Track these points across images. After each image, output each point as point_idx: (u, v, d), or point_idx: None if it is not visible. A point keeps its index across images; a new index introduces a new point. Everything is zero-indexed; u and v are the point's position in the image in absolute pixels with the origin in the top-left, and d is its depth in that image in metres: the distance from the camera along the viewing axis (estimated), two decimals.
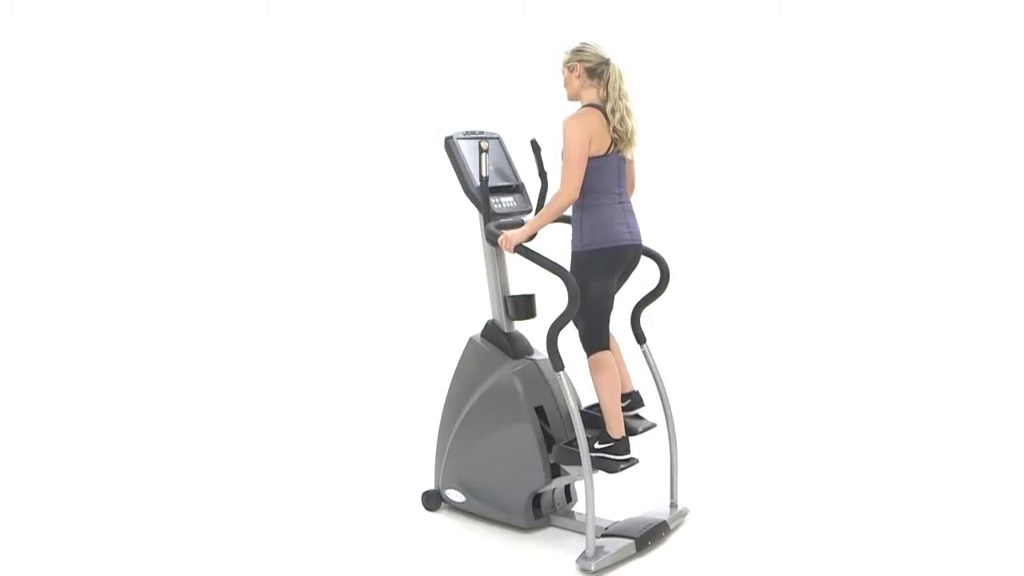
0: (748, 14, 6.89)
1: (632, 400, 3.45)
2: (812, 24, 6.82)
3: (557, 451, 3.36)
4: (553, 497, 3.60)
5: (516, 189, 3.63)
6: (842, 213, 6.83)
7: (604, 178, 3.18)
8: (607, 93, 3.18)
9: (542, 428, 3.43)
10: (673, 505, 3.61)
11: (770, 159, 6.95)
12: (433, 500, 3.78)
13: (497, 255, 3.58)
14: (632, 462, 3.27)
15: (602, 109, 3.17)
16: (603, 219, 3.18)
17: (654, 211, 3.46)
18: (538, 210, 3.46)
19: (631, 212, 3.29)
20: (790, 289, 6.65)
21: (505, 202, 3.52)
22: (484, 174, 3.37)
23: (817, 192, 6.85)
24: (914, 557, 3.27)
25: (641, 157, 3.36)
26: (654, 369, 3.56)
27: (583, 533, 3.27)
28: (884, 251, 6.70)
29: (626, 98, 3.19)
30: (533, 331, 3.56)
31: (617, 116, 3.15)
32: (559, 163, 3.16)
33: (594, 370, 3.26)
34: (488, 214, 3.40)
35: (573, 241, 3.24)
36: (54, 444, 4.75)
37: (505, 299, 3.59)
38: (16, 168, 6.84)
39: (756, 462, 4.27)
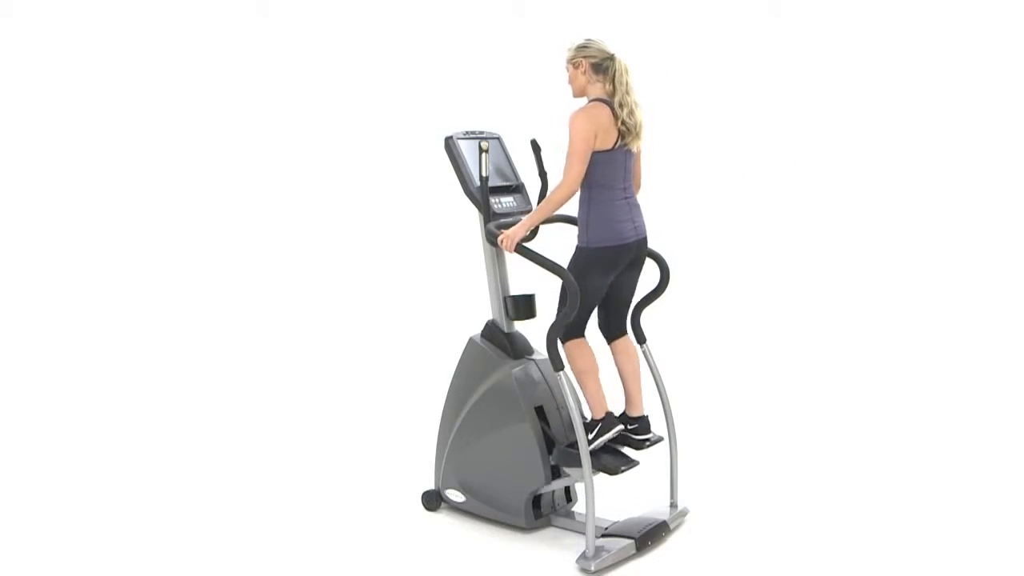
0: (744, 12, 6.90)
1: (640, 426, 3.41)
2: (810, 22, 6.82)
3: (558, 453, 3.36)
4: (553, 497, 3.60)
5: (516, 189, 3.63)
6: (842, 213, 6.83)
7: (610, 173, 3.19)
8: (614, 88, 3.18)
9: (542, 428, 3.43)
10: (673, 505, 3.61)
11: (770, 159, 6.95)
12: (433, 500, 3.78)
13: (497, 255, 3.58)
14: (632, 464, 3.28)
15: (610, 104, 3.17)
16: (609, 216, 3.18)
17: (654, 211, 3.46)
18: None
19: (637, 207, 3.30)
20: (790, 289, 6.65)
21: (505, 202, 3.52)
22: (484, 174, 3.37)
23: (817, 192, 6.85)
24: (914, 557, 3.27)
25: (642, 156, 3.36)
26: (654, 369, 3.56)
27: (583, 533, 3.27)
28: (884, 250, 6.70)
29: (633, 92, 3.19)
30: (533, 331, 3.56)
31: (626, 110, 3.16)
32: (561, 162, 3.16)
33: (570, 357, 3.28)
34: (488, 214, 3.41)
35: (579, 236, 3.24)
36: (54, 444, 4.75)
37: (505, 299, 3.59)
38: (16, 168, 6.84)
39: (756, 462, 4.27)
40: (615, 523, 3.44)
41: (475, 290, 3.89)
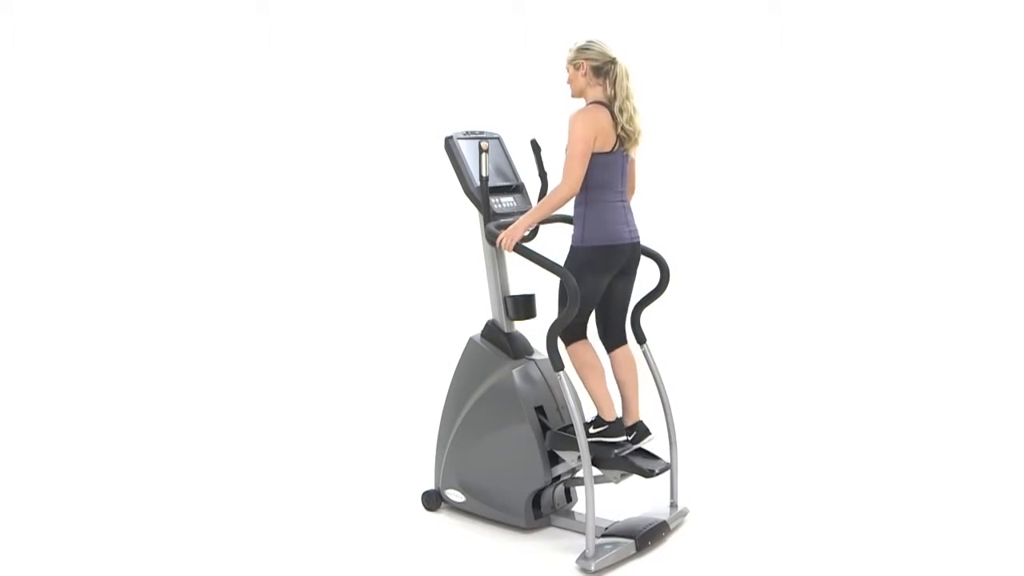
0: (744, 10, 6.89)
1: (638, 432, 3.40)
2: (809, 22, 6.82)
3: (551, 437, 3.36)
4: (553, 497, 3.60)
5: (516, 189, 3.63)
6: (842, 213, 6.82)
7: (608, 175, 3.19)
8: (614, 92, 3.18)
9: (542, 428, 3.43)
10: (673, 505, 3.61)
11: (770, 159, 6.94)
12: (433, 500, 3.78)
13: (497, 255, 3.58)
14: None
15: (609, 107, 3.17)
16: (606, 216, 3.20)
17: (654, 211, 3.47)
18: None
19: (630, 211, 3.32)
20: (790, 289, 6.64)
21: (505, 202, 3.52)
22: (484, 174, 3.37)
23: (817, 192, 6.85)
24: (914, 557, 3.27)
25: (640, 156, 3.37)
26: (654, 369, 3.56)
27: (583, 533, 3.27)
28: (884, 250, 6.70)
29: (632, 97, 3.19)
30: (533, 331, 3.56)
31: (625, 116, 3.16)
32: (561, 161, 3.16)
33: (574, 360, 3.28)
34: (488, 214, 3.41)
35: (574, 236, 3.25)
36: (53, 444, 4.75)
37: (505, 299, 3.59)
38: (15, 167, 6.83)
39: (756, 462, 4.27)
40: (615, 523, 3.44)
41: (475, 290, 3.89)
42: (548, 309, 3.31)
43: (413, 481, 3.98)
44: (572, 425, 3.22)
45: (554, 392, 3.49)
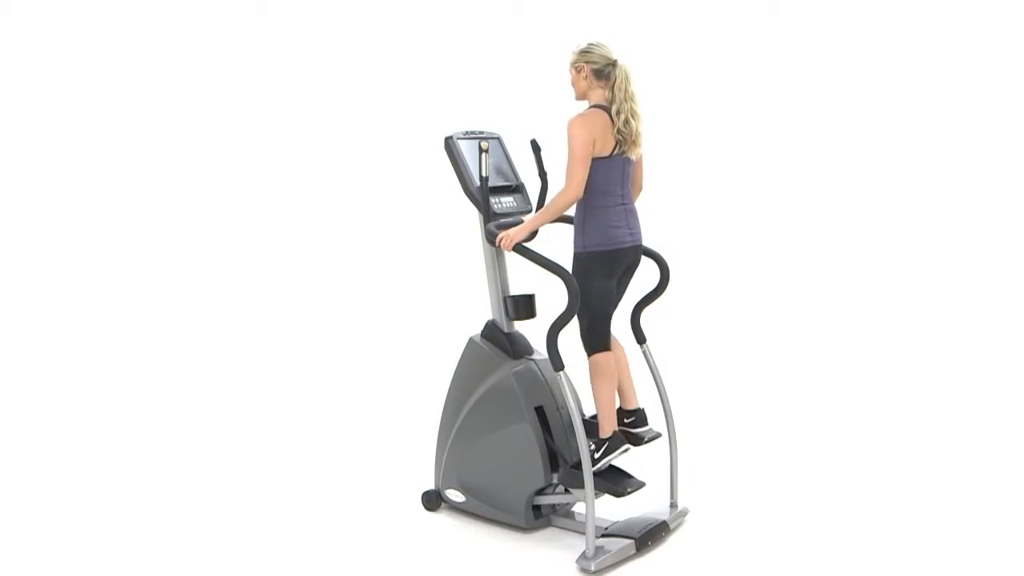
0: (744, 9, 6.89)
1: (637, 419, 3.42)
2: (810, 19, 6.82)
3: (563, 474, 3.38)
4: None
5: (516, 189, 3.63)
6: (842, 213, 6.83)
7: (608, 179, 3.19)
8: (613, 95, 3.18)
9: (542, 428, 3.43)
10: (673, 505, 3.61)
11: (769, 159, 6.95)
12: (433, 500, 3.78)
13: (497, 255, 3.58)
14: (639, 485, 3.28)
15: (608, 110, 3.17)
16: (605, 221, 3.19)
17: (655, 211, 3.46)
18: (539, 210, 3.46)
19: (633, 213, 3.30)
20: (790, 289, 6.65)
21: (505, 202, 3.52)
22: (484, 174, 3.37)
23: (817, 191, 6.85)
24: (914, 557, 3.27)
25: (644, 156, 3.36)
26: (654, 369, 3.56)
27: (583, 533, 3.27)
28: (884, 250, 6.70)
29: (632, 100, 3.18)
30: (533, 331, 3.56)
31: (622, 118, 3.15)
32: (560, 163, 3.16)
33: (593, 371, 3.28)
34: (488, 214, 3.40)
35: (575, 242, 3.25)
36: (53, 444, 4.75)
37: (505, 299, 3.59)
38: (15, 166, 6.84)
39: (756, 462, 4.27)
40: (615, 523, 3.44)
41: (475, 290, 3.89)
42: (548, 309, 3.31)
43: (413, 481, 3.98)
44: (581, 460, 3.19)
45: (554, 392, 3.49)
